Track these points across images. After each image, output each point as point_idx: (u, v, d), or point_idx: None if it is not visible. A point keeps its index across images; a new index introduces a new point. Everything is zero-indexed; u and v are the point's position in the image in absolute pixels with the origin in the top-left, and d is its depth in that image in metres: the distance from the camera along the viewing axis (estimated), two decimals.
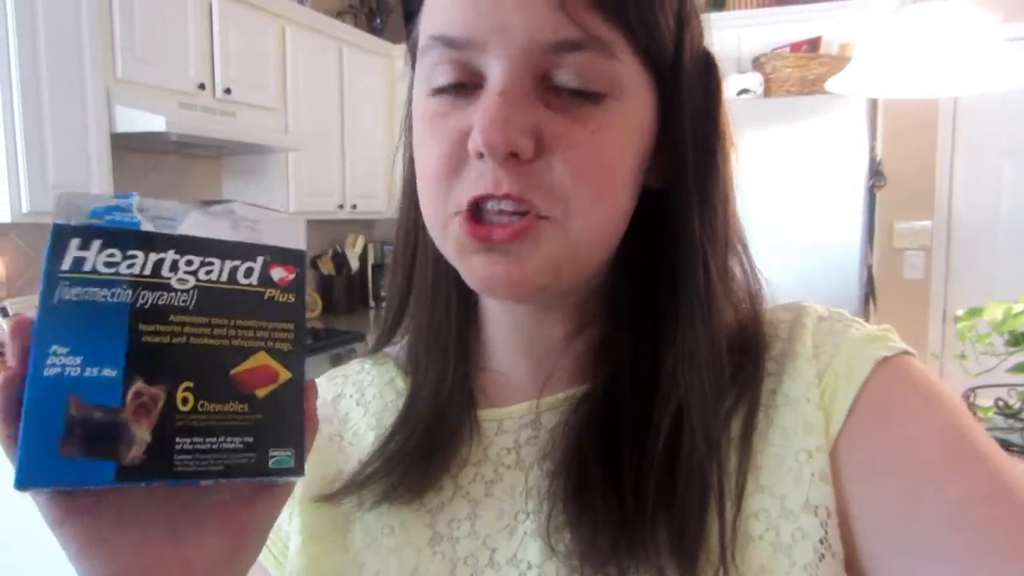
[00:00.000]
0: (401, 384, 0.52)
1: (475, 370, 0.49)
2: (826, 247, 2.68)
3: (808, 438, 0.39)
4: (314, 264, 3.52)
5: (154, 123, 2.16)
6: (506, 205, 0.38)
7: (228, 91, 2.55)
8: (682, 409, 0.41)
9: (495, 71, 0.37)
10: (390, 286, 0.52)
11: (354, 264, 3.57)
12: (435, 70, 0.39)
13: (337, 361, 2.64)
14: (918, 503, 0.36)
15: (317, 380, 0.57)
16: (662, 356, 0.42)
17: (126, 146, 2.38)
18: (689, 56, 0.41)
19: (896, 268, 3.31)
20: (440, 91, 0.39)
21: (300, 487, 0.49)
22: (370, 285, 3.71)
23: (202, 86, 2.45)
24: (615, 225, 0.42)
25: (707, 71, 0.43)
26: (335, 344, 2.71)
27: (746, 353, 0.43)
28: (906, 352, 0.41)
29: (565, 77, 0.37)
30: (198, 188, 2.92)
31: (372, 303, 3.71)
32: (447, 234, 0.41)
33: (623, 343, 0.44)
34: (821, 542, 0.37)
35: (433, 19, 0.39)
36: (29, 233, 2.25)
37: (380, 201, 3.52)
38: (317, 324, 3.20)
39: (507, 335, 0.48)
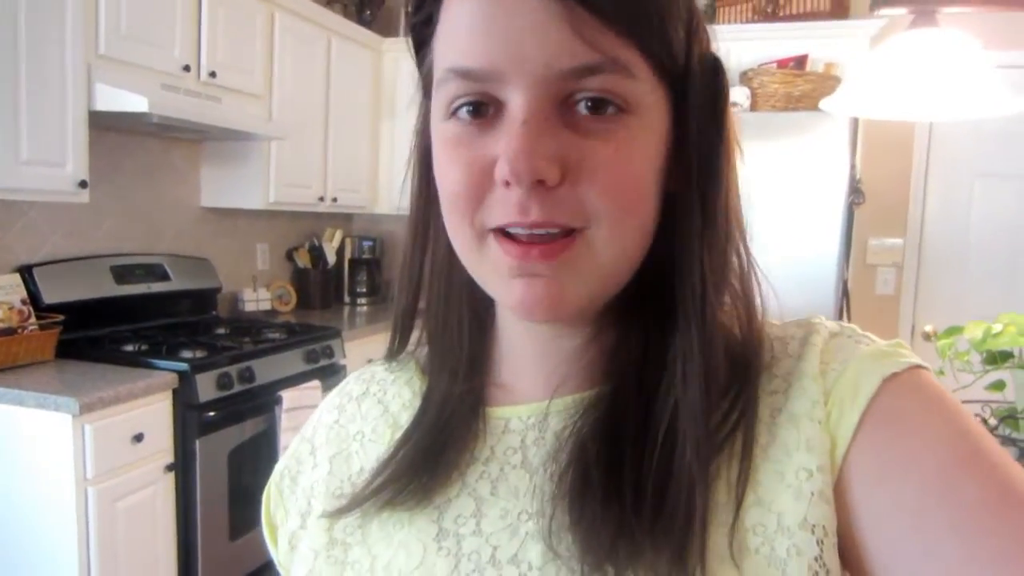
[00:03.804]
0: (418, 383, 0.54)
1: (485, 386, 0.50)
2: (805, 261, 2.72)
3: (810, 456, 0.39)
4: (290, 257, 3.45)
5: (136, 103, 2.08)
6: (536, 231, 0.39)
7: (213, 75, 2.47)
8: (677, 408, 0.41)
9: (516, 100, 0.38)
10: (398, 299, 0.52)
11: (331, 258, 3.51)
12: (455, 102, 0.40)
13: (311, 358, 2.59)
14: (930, 512, 0.36)
15: (349, 377, 0.58)
16: (667, 361, 0.43)
17: (104, 125, 2.30)
18: (697, 63, 0.42)
19: (868, 283, 3.39)
20: (460, 121, 0.40)
21: (323, 490, 0.51)
22: (346, 280, 3.64)
23: (187, 68, 2.37)
24: (644, 236, 0.42)
25: (714, 76, 0.43)
26: (309, 340, 2.65)
27: (744, 360, 0.43)
28: (917, 366, 0.41)
29: (585, 100, 0.38)
30: (176, 173, 2.83)
31: (348, 298, 3.64)
32: (483, 257, 0.41)
33: (633, 348, 0.45)
34: (816, 560, 0.37)
35: (449, 51, 0.40)
36: None
37: (361, 196, 3.47)
38: (291, 319, 3.13)
39: (523, 348, 0.49)
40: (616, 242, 0.40)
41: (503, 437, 0.47)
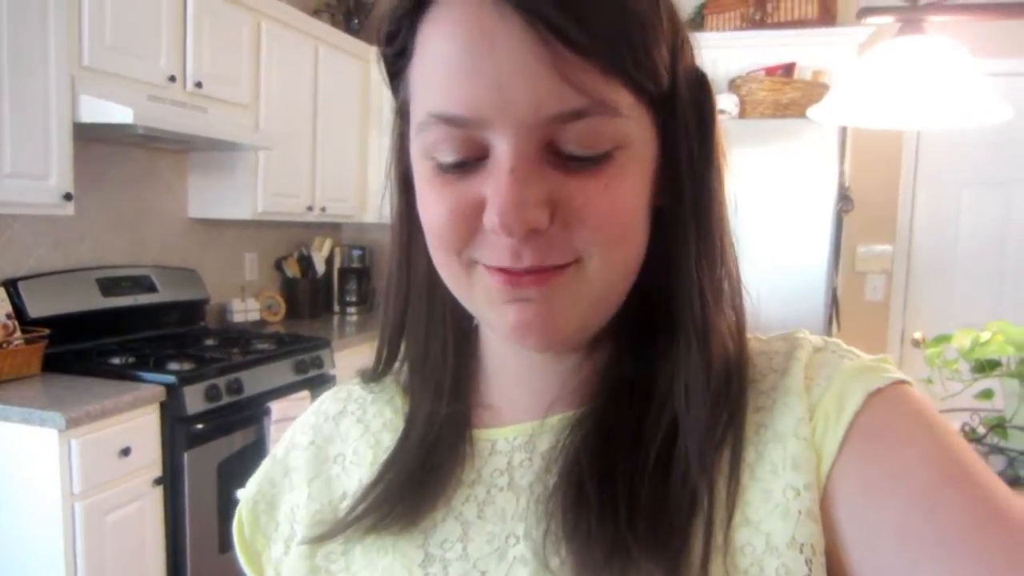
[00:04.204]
0: (399, 401, 0.53)
1: (473, 406, 0.50)
2: (794, 268, 2.73)
3: (796, 475, 0.39)
4: (278, 267, 3.43)
5: (121, 114, 2.06)
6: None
7: (199, 85, 2.46)
8: (675, 425, 0.41)
9: (502, 146, 0.37)
10: (383, 321, 0.51)
11: (320, 268, 3.49)
12: (437, 147, 0.39)
13: (301, 368, 2.57)
14: (915, 530, 0.35)
15: (324, 396, 0.57)
16: (657, 373, 0.43)
17: (89, 136, 2.28)
18: (683, 79, 0.42)
19: (858, 290, 3.40)
20: (444, 164, 0.39)
21: (305, 516, 0.50)
22: (336, 290, 3.63)
23: (172, 78, 2.36)
24: (636, 260, 0.42)
25: (700, 90, 0.43)
26: (298, 350, 2.63)
27: (734, 377, 0.43)
28: (901, 381, 0.41)
29: (571, 145, 0.37)
30: (163, 184, 2.81)
31: (337, 308, 3.63)
32: (472, 284, 0.41)
33: (626, 366, 0.45)
34: None
35: (429, 93, 0.38)
36: None
37: (350, 205, 3.46)
38: (280, 329, 3.11)
39: (511, 369, 0.49)
40: (608, 271, 0.40)
41: (490, 459, 0.47)
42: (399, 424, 0.51)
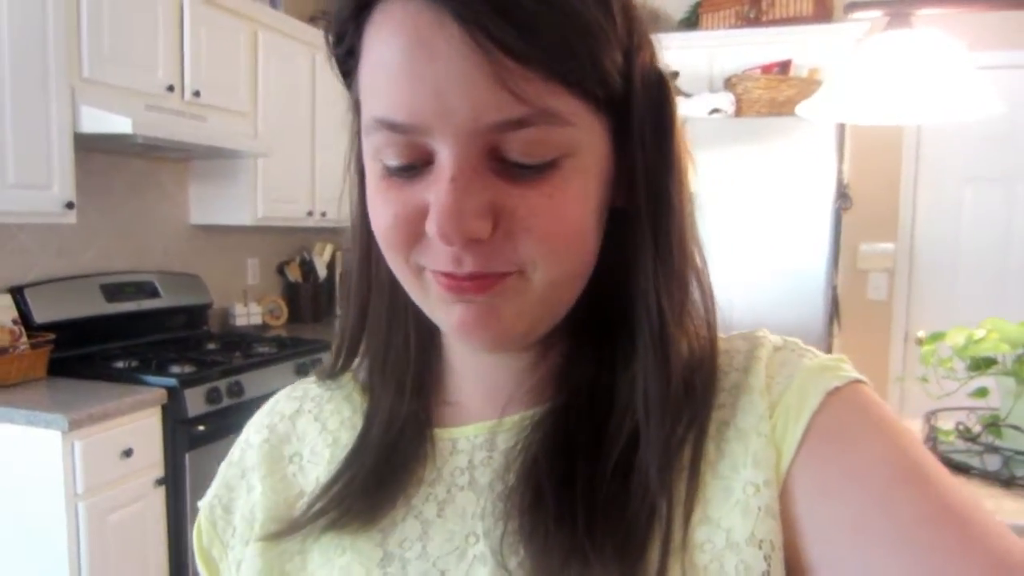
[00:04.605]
0: (358, 399, 0.52)
1: (434, 403, 0.49)
2: (793, 267, 2.71)
3: (756, 472, 0.39)
4: (280, 271, 3.47)
5: (120, 124, 2.11)
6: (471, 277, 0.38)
7: (197, 94, 2.50)
8: (636, 433, 0.41)
9: (443, 154, 0.36)
10: (343, 317, 0.51)
11: (321, 272, 3.53)
12: (382, 151, 0.38)
13: (302, 371, 2.60)
14: (870, 528, 0.36)
15: (278, 395, 0.56)
16: (617, 379, 0.43)
17: (90, 147, 2.33)
18: (640, 83, 0.40)
19: (860, 289, 3.38)
20: (390, 168, 0.39)
21: (262, 513, 0.49)
22: (337, 293, 3.66)
23: (171, 88, 2.40)
24: (585, 267, 0.42)
25: (658, 92, 0.42)
26: (300, 353, 2.67)
27: (698, 380, 0.43)
28: (858, 381, 0.41)
29: (515, 153, 0.36)
30: (164, 191, 2.86)
31: (339, 312, 3.65)
32: (423, 287, 0.41)
33: (584, 366, 0.44)
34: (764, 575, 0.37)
35: (375, 98, 0.38)
36: None
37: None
38: (282, 332, 3.15)
39: (468, 367, 0.48)
40: (553, 279, 0.39)
41: (450, 458, 0.47)
42: (357, 422, 0.50)
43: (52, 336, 2.21)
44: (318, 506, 0.46)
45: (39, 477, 1.86)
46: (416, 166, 0.38)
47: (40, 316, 2.27)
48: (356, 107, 0.43)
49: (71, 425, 1.82)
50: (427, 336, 0.49)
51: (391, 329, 0.49)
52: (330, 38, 0.41)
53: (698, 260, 0.44)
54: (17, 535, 1.92)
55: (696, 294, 0.44)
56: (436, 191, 0.36)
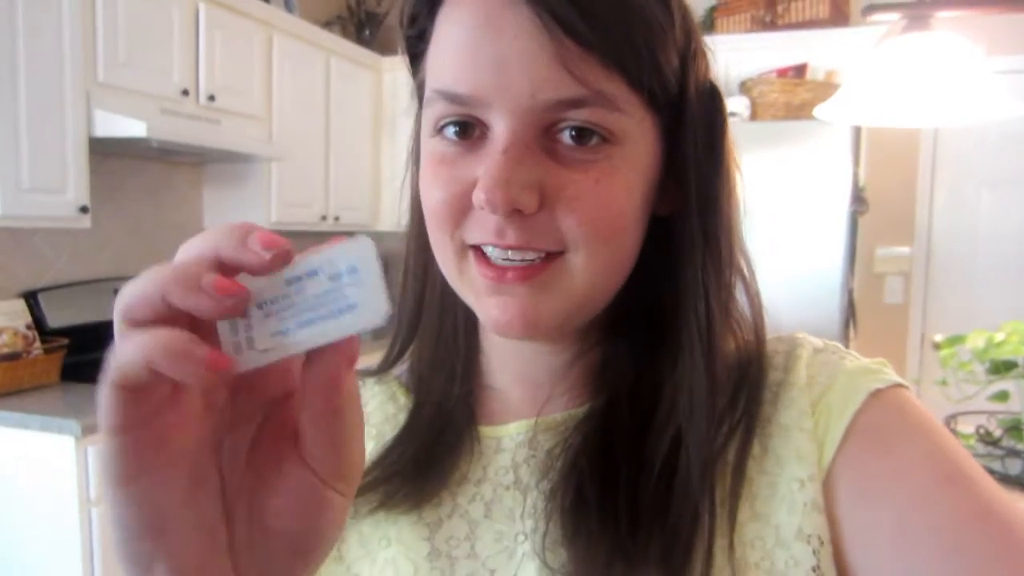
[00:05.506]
0: (403, 399, 0.53)
1: (477, 388, 0.50)
2: (809, 271, 2.70)
3: (801, 467, 0.40)
4: None
5: (135, 129, 2.11)
6: (512, 254, 0.39)
7: (212, 98, 2.51)
8: (679, 435, 0.41)
9: (499, 127, 0.38)
10: (401, 309, 0.52)
11: None
12: (440, 122, 0.40)
13: None
14: (912, 529, 0.36)
15: None
16: (661, 381, 0.43)
17: (105, 151, 2.33)
18: (694, 90, 0.42)
19: (876, 293, 3.35)
20: (447, 140, 0.40)
21: None
22: None
23: (186, 92, 2.41)
24: (624, 262, 0.42)
25: (712, 103, 0.43)
26: None
27: (745, 381, 0.43)
28: (899, 385, 0.42)
29: (568, 132, 0.38)
30: (178, 195, 2.86)
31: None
32: (462, 273, 0.42)
33: (623, 367, 0.45)
34: (814, 570, 0.38)
35: (437, 72, 0.40)
36: (1, 237, 2.19)
37: (364, 214, 3.49)
38: None
39: (507, 360, 0.49)
40: (593, 268, 0.40)
41: (495, 457, 0.47)
42: (401, 420, 0.51)
43: (66, 341, 2.21)
44: (370, 477, 0.47)
45: (52, 483, 1.86)
46: (472, 136, 0.39)
47: (54, 321, 2.27)
48: (419, 90, 0.44)
49: (84, 431, 1.81)
50: (472, 321, 0.50)
51: (443, 317, 0.50)
52: (403, 20, 0.43)
53: (744, 269, 0.45)
54: (30, 541, 1.92)
55: (742, 296, 0.45)
56: (488, 161, 0.38)
